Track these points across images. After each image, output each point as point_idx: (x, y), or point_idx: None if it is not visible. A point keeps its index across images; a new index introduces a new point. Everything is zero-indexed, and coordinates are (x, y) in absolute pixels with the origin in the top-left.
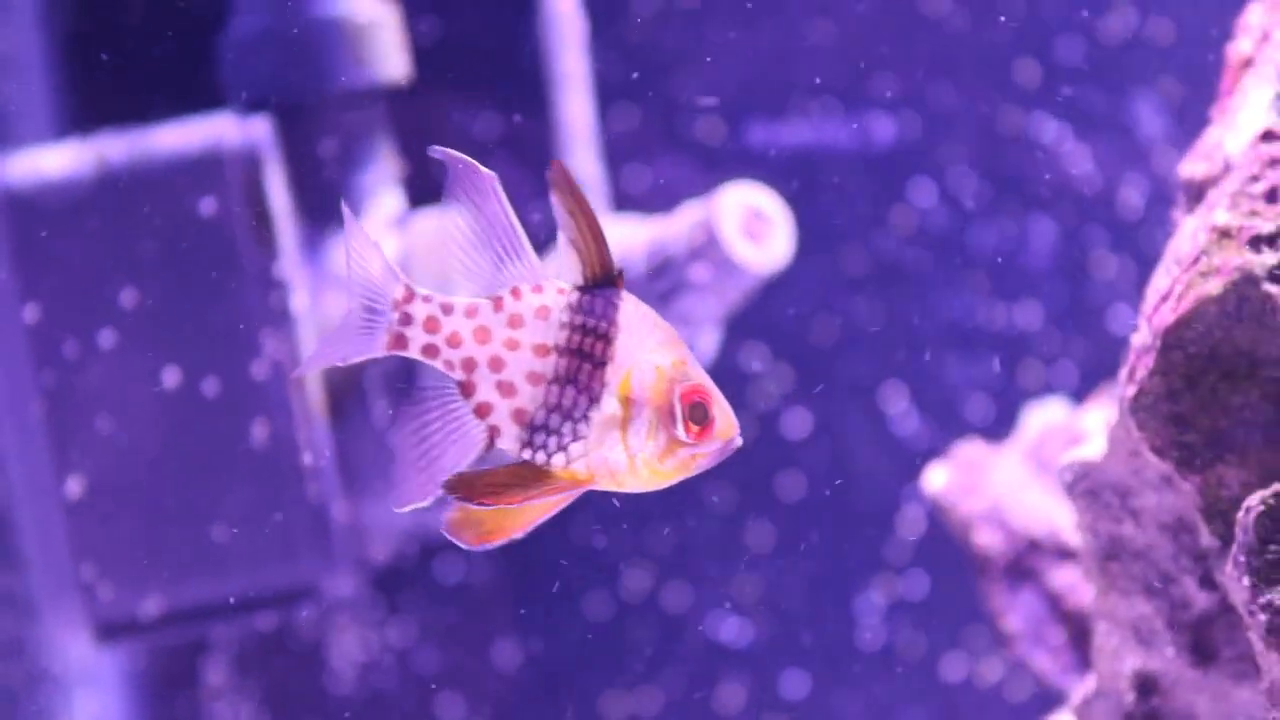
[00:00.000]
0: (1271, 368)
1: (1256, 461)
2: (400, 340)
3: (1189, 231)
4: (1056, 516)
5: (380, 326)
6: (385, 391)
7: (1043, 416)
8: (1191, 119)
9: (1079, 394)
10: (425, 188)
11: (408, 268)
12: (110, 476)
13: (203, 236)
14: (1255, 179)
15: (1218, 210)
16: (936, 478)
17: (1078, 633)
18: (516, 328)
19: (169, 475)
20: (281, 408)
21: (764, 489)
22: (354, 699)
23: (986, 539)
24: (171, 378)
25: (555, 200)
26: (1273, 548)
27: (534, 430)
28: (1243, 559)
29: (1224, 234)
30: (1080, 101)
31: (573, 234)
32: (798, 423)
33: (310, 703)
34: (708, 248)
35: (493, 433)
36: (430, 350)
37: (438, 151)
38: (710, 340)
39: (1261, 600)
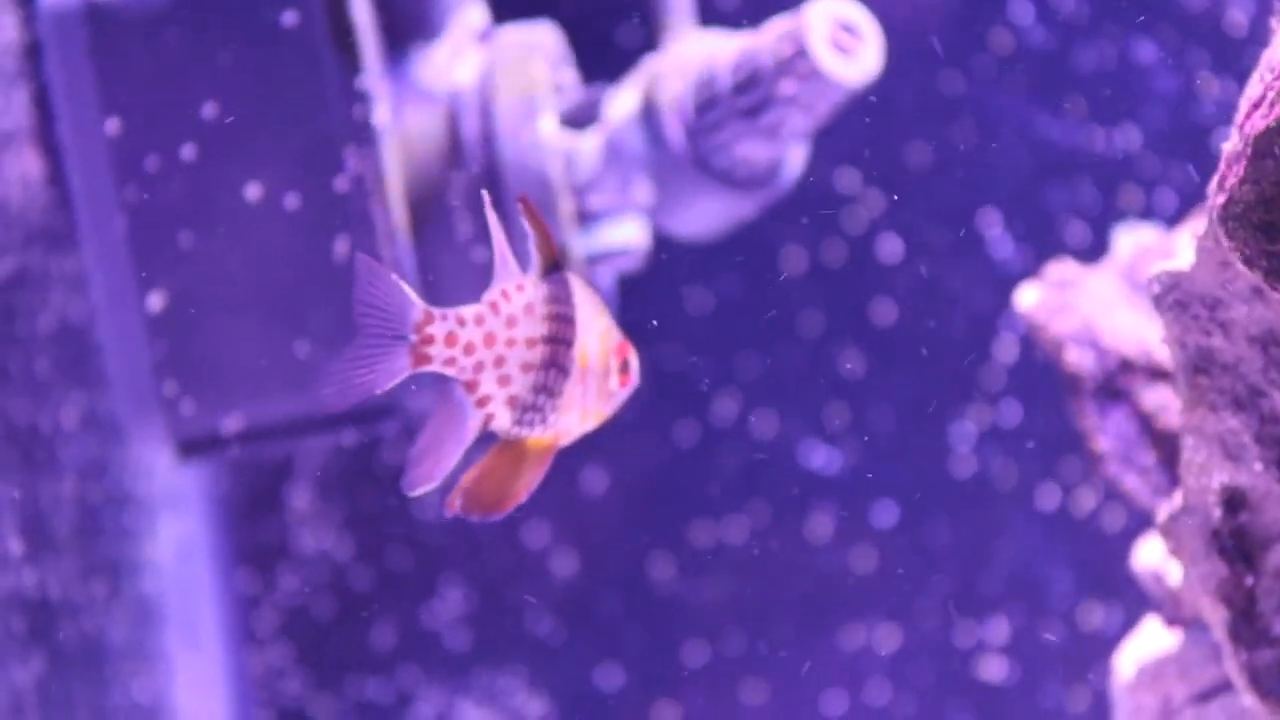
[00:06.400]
0: None
1: None
2: (424, 358)
3: None
4: (1149, 336)
5: (402, 348)
6: (468, 206)
7: (1135, 238)
8: None
9: (1179, 221)
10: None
11: (490, 83)
12: (192, 292)
13: (285, 49)
14: None
15: None
16: (1028, 296)
17: (1168, 454)
18: (513, 327)
19: (250, 291)
20: (364, 222)
21: (856, 315)
22: (438, 524)
23: (1077, 358)
24: (253, 192)
25: (526, 223)
26: None
27: (524, 411)
28: None
29: None
30: None
31: (536, 243)
32: (890, 248)
33: (395, 528)
34: (796, 60)
35: (488, 419)
36: (450, 362)
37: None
38: (798, 157)
39: None
